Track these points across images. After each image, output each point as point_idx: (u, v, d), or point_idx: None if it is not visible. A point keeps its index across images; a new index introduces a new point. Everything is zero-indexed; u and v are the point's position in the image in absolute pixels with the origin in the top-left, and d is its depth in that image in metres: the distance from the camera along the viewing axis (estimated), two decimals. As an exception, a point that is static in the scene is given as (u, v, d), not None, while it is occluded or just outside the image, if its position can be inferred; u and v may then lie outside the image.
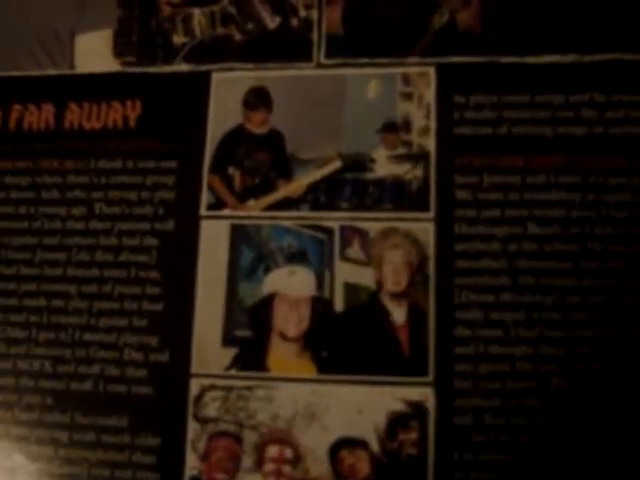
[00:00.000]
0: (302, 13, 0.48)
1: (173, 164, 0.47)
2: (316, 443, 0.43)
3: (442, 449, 0.43)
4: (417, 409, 0.43)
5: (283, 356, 0.44)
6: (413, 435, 0.43)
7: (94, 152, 0.48)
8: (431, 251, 0.45)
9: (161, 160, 0.47)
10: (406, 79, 0.46)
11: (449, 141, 0.45)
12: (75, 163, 0.48)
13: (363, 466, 0.43)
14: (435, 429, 0.43)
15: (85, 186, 0.48)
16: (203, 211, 0.46)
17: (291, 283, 0.45)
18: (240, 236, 0.45)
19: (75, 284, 0.46)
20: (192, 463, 0.44)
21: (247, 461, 0.44)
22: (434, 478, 0.43)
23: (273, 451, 0.44)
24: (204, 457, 0.44)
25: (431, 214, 0.45)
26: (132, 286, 0.46)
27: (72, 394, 0.46)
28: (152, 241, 0.46)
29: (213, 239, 0.46)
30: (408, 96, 0.46)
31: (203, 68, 0.49)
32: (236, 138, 0.47)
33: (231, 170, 0.46)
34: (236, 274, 0.45)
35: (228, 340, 0.45)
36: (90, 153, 0.48)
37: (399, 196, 0.45)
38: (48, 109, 0.49)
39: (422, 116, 0.45)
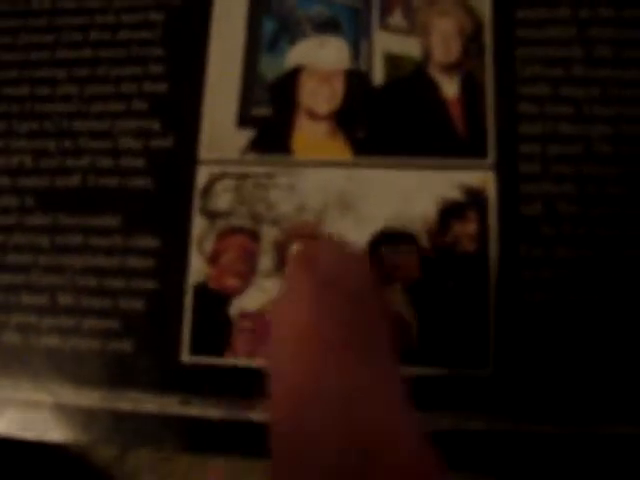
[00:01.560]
0: None
1: None
2: (351, 239, 0.30)
3: (506, 243, 0.30)
4: (475, 197, 0.30)
5: (311, 137, 0.31)
6: (471, 227, 0.29)
7: None
8: (487, 18, 0.31)
9: None
10: None
11: None
12: (69, -64, 0.34)
13: (410, 264, 0.30)
14: (497, 220, 0.30)
15: (80, -37, 0.34)
16: (217, -20, 0.33)
17: (321, 54, 0.32)
18: (260, 6, 0.33)
19: (64, 68, 0.34)
20: (197, 266, 0.31)
21: (265, 262, 0.30)
22: (497, 277, 0.29)
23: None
24: (212, 259, 0.31)
25: (487, -24, 0.31)
26: (132, 66, 0.33)
27: (56, 191, 0.32)
28: (157, 16, 0.33)
29: (228, 11, 0.33)
30: None
31: None
32: None
33: None
34: (255, 47, 0.32)
35: (244, 120, 0.32)
36: None
37: (448, -41, 0.31)
38: None
39: None
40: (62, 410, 0.32)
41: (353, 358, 0.21)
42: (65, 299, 0.32)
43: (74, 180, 0.33)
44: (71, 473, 0.36)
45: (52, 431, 0.32)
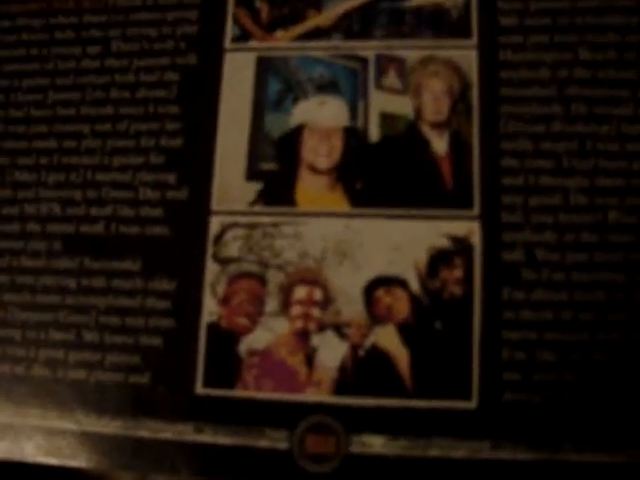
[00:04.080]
0: None
1: (197, -1, 0.39)
2: (349, 283, 0.35)
3: (490, 288, 0.35)
4: (461, 244, 0.35)
5: (313, 190, 0.36)
6: (457, 273, 0.34)
7: (112, -9, 0.40)
8: (474, 79, 0.37)
9: (183, -5, 0.39)
10: None
11: (491, -32, 0.37)
12: (91, 2, 0.40)
13: (402, 307, 0.34)
14: (482, 266, 0.35)
15: (102, 25, 0.40)
16: (228, 44, 0.38)
17: (322, 113, 0.37)
18: (267, 68, 0.38)
19: (88, 123, 0.39)
20: (210, 308, 0.36)
21: (272, 304, 0.35)
22: (481, 319, 0.34)
23: (301, 292, 0.35)
24: (224, 301, 0.36)
25: (473, 41, 0.37)
26: (150, 122, 0.38)
27: (82, 238, 0.38)
28: (172, 76, 0.38)
29: (237, 72, 0.38)
30: None
31: None
32: (263, -29, 0.38)
33: (258, 3, 0.39)
34: (262, 106, 0.37)
35: (252, 174, 0.37)
36: (108, -8, 0.40)
37: (438, 24, 0.38)
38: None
39: (462, -57, 0.37)
40: (86, 437, 0.36)
41: None
42: (90, 336, 0.37)
43: (98, 227, 0.38)
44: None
45: (76, 457, 0.37)
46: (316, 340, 0.35)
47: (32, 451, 0.37)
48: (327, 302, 0.35)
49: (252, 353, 0.35)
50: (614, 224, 0.35)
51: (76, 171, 0.38)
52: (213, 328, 0.36)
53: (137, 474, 0.39)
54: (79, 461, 0.36)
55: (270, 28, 0.39)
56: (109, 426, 0.36)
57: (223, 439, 0.35)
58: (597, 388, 0.33)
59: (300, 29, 0.38)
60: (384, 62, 0.37)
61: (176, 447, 0.35)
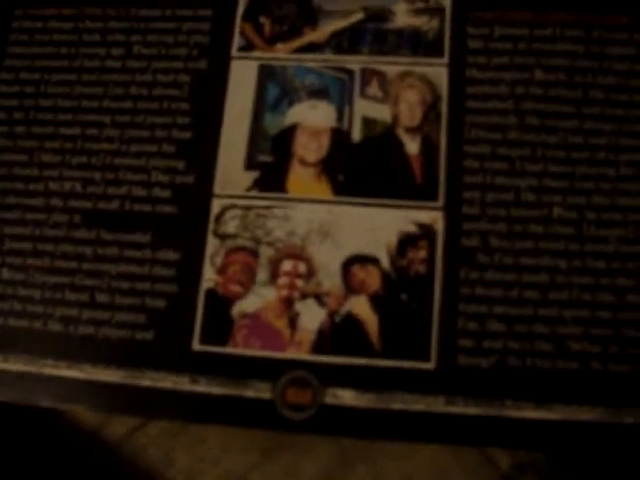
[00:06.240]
0: None
1: (209, 12, 0.47)
2: (329, 259, 0.42)
3: (449, 267, 0.42)
4: (427, 230, 0.42)
5: (301, 179, 0.43)
6: (422, 254, 0.42)
7: (135, 2, 0.47)
8: (444, 92, 0.44)
9: (198, 9, 0.47)
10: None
11: (463, -2, 0.46)
12: (117, 11, 0.48)
13: (374, 281, 0.42)
14: (443, 249, 0.42)
15: (125, 30, 0.48)
16: (234, 53, 0.46)
17: (312, 115, 0.44)
18: (267, 74, 0.46)
19: (109, 115, 0.46)
20: (209, 275, 0.43)
21: (262, 274, 0.42)
22: (441, 293, 0.41)
23: (287, 265, 0.42)
24: (221, 270, 0.43)
25: (445, 60, 0.45)
26: (163, 116, 0.46)
27: (99, 213, 0.45)
28: (185, 78, 0.46)
29: (242, 77, 0.46)
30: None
31: None
32: (267, -9, 0.46)
33: (262, 19, 0.46)
34: (261, 107, 0.45)
35: (250, 164, 0.44)
36: (131, 2, 0.47)
37: (416, 44, 0.45)
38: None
39: (439, -23, 0.45)
40: (93, 385, 0.43)
41: None
42: (101, 297, 0.44)
43: (114, 204, 0.45)
44: (84, 447, 0.47)
45: (83, 402, 0.43)
46: (299, 306, 0.42)
47: (44, 397, 0.43)
48: (310, 274, 0.42)
49: (243, 316, 0.42)
50: (557, 218, 0.42)
51: (97, 155, 0.46)
52: (210, 293, 0.43)
53: (138, 419, 0.45)
54: (86, 406, 0.43)
55: (271, 41, 0.47)
56: (114, 375, 0.42)
57: (215, 389, 0.42)
58: (536, 355, 0.40)
59: (297, 43, 0.46)
60: (368, 74, 0.45)
61: (174, 395, 0.42)
